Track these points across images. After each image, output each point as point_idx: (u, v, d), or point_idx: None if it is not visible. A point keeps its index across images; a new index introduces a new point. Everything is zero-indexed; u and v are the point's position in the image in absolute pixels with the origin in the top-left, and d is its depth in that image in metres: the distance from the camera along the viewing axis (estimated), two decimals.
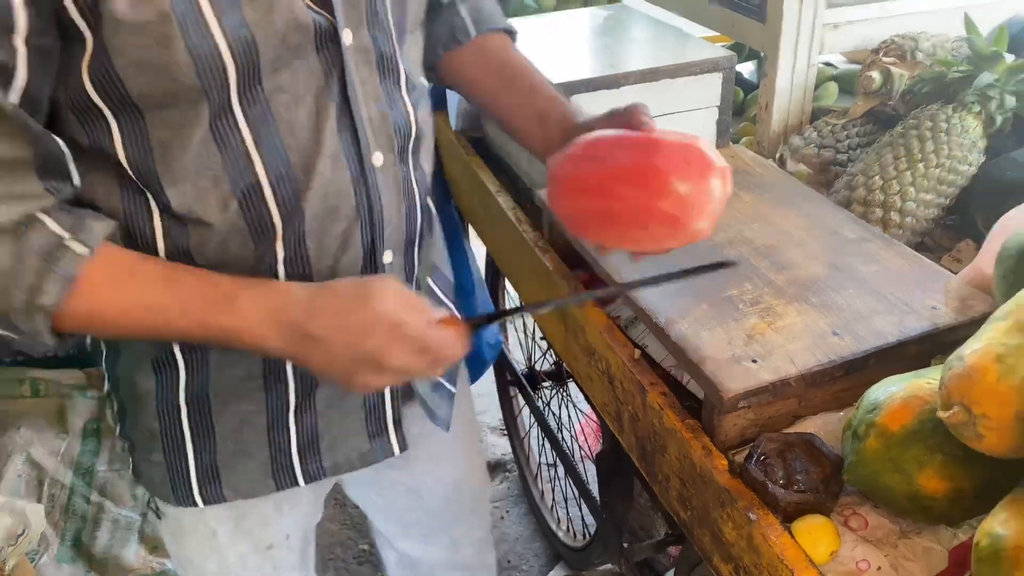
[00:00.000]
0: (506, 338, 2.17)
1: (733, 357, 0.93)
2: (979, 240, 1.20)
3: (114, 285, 0.77)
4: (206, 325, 0.78)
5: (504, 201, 1.47)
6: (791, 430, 0.94)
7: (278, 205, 0.83)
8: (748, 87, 1.81)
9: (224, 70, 0.75)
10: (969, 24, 1.24)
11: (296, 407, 0.95)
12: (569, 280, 1.23)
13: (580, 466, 1.85)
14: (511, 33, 1.14)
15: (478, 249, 1.79)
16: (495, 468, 2.32)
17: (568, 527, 2.03)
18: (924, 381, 0.82)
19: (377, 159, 0.88)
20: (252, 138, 0.80)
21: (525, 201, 1.44)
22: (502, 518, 2.17)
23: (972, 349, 0.73)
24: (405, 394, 1.05)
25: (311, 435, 0.97)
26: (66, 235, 0.74)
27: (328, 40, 0.81)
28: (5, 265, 0.72)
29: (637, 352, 1.07)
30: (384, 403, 1.02)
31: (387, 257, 0.93)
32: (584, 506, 1.83)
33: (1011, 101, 1.18)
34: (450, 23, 1.09)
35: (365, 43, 0.84)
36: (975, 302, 0.99)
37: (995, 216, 1.18)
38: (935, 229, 1.24)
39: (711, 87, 1.38)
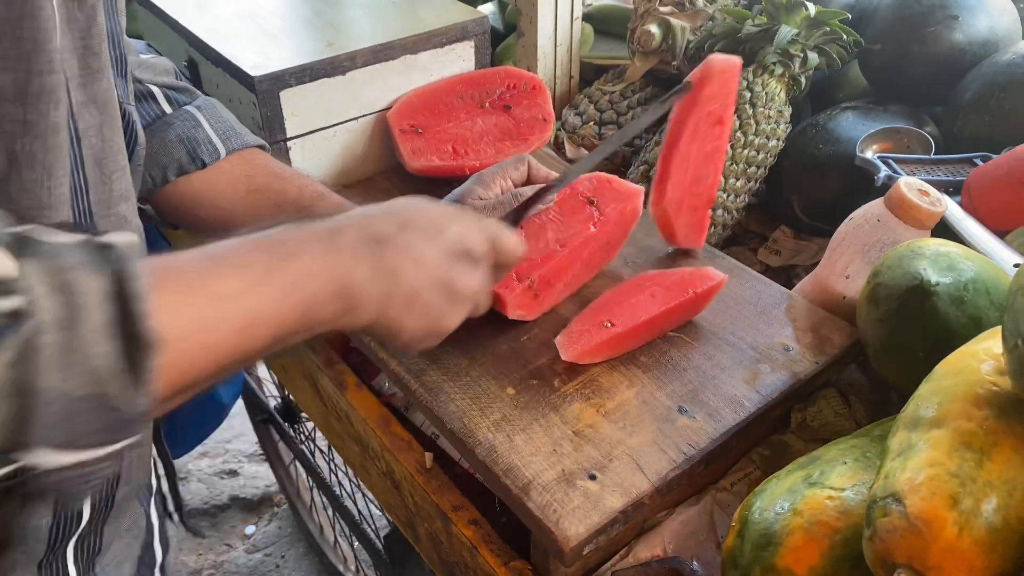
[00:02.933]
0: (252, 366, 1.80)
1: (564, 475, 0.68)
2: (796, 226, 1.03)
3: (173, 291, 0.49)
4: (285, 287, 0.53)
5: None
6: (643, 547, 0.71)
7: None
8: (495, 37, 1.52)
9: None
10: None
11: None
12: (318, 342, 0.92)
13: (353, 505, 1.56)
14: (264, 148, 0.86)
15: None
16: (260, 505, 1.98)
17: (357, 567, 1.75)
18: (824, 495, 0.61)
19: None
20: None
21: None
22: (277, 566, 1.85)
23: (910, 482, 0.52)
24: None
25: None
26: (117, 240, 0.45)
27: None
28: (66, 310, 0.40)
29: (429, 457, 0.79)
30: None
31: None
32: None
33: (814, 59, 1.00)
34: (189, 137, 0.80)
35: None
36: (830, 332, 0.80)
37: (813, 198, 1.01)
38: (744, 216, 1.05)
39: (463, 59, 1.09)
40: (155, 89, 0.82)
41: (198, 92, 0.86)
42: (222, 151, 0.82)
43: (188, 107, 0.83)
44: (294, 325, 0.54)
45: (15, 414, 0.38)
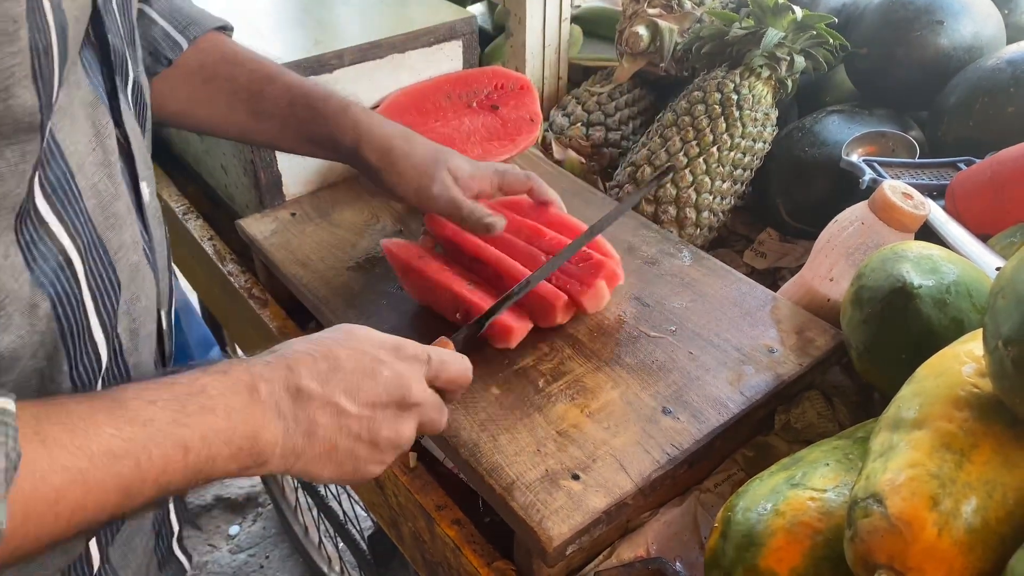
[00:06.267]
0: (232, 353, 1.79)
1: (547, 474, 0.68)
2: (782, 229, 1.04)
3: (54, 443, 0.45)
4: (184, 446, 0.50)
5: (197, 229, 1.10)
6: (626, 548, 0.71)
7: (91, 285, 0.55)
8: (483, 37, 1.52)
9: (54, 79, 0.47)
10: None
11: None
12: None
13: (337, 505, 1.55)
14: (226, 29, 0.85)
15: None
16: (244, 505, 1.97)
17: (342, 568, 1.75)
18: (806, 496, 0.61)
19: (146, 191, 0.63)
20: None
21: (227, 229, 1.07)
22: (261, 566, 1.84)
23: (891, 482, 0.52)
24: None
25: None
26: None
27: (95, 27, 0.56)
28: None
29: (412, 457, 0.79)
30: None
31: (164, 321, 0.70)
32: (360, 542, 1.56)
33: (801, 62, 1.00)
34: (146, 38, 0.78)
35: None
36: (814, 334, 0.81)
37: (799, 201, 1.01)
38: (730, 218, 1.05)
39: (451, 58, 1.09)
40: None
41: None
42: (183, 43, 0.80)
43: (138, 5, 0.80)
44: (185, 481, 0.50)
45: None
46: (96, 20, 0.56)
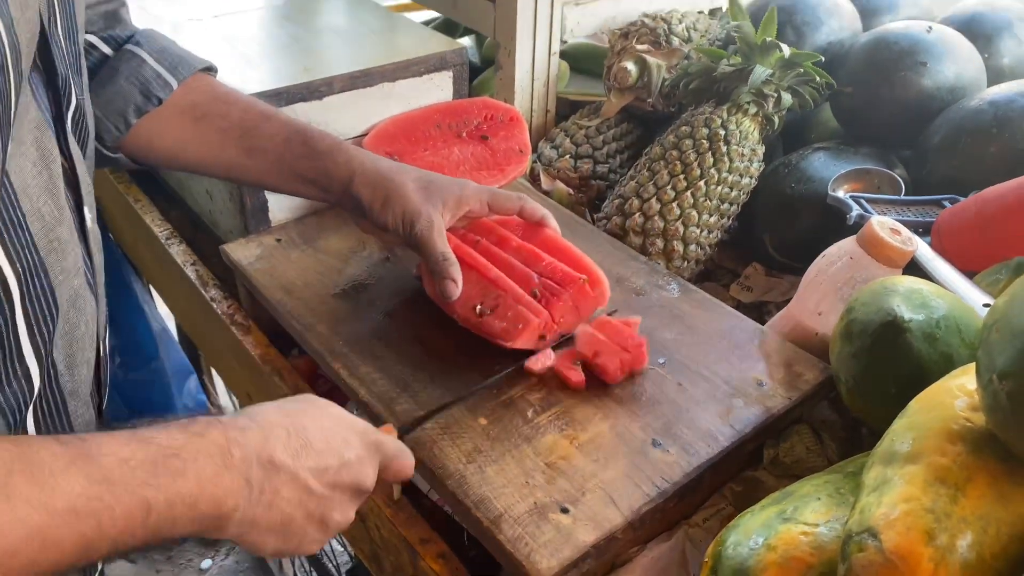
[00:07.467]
0: (212, 391, 1.77)
1: (536, 507, 0.67)
2: (768, 263, 1.04)
3: (18, 497, 0.44)
4: (148, 507, 0.48)
5: (180, 254, 1.08)
6: None
7: (26, 310, 0.55)
8: (471, 71, 1.53)
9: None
10: (735, 7, 1.05)
11: None
12: (285, 369, 0.90)
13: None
14: (211, 70, 0.86)
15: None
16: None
17: None
18: (798, 531, 0.61)
19: (88, 216, 0.64)
20: None
21: (210, 254, 1.06)
22: None
23: (886, 517, 0.51)
24: None
25: None
26: None
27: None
28: None
29: (397, 489, 0.78)
30: None
31: (102, 348, 0.68)
32: None
33: (787, 99, 1.01)
34: (138, 77, 0.79)
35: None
36: (802, 368, 0.81)
37: (785, 236, 1.02)
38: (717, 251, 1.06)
39: (440, 88, 1.09)
40: (90, 37, 0.81)
41: (128, 20, 0.85)
42: (173, 83, 0.81)
43: (128, 46, 0.82)
44: (142, 540, 0.49)
45: None
46: (43, 45, 0.56)
